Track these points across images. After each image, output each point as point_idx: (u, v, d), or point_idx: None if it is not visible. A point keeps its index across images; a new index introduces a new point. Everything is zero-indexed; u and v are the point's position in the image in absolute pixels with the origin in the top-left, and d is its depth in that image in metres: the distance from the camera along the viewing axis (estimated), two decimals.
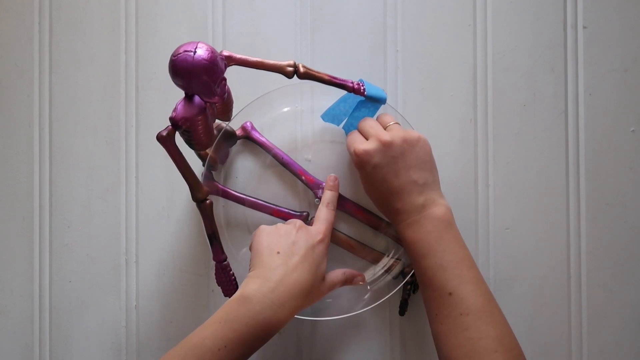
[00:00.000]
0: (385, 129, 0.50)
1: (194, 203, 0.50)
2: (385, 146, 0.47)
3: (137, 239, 0.60)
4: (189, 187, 0.49)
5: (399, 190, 0.47)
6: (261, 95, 0.55)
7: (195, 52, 0.43)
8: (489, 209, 0.58)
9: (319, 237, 0.49)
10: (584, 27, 0.58)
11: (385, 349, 0.58)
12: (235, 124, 0.56)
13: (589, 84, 0.58)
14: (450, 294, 0.44)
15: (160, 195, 0.60)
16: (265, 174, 0.59)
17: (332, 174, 0.55)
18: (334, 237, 0.56)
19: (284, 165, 0.57)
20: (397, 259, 0.57)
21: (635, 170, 0.58)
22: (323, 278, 0.49)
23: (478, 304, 0.43)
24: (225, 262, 0.52)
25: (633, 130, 0.58)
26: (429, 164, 0.49)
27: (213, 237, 0.51)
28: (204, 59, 0.43)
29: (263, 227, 0.51)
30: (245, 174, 0.59)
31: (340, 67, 0.59)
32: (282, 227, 0.50)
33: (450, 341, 0.43)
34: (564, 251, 0.58)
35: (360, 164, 0.49)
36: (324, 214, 0.52)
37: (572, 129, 0.58)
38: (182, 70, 0.43)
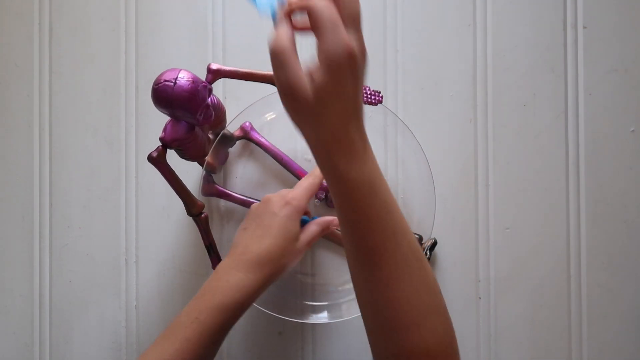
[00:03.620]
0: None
1: None
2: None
3: (137, 239, 0.60)
4: (183, 204, 0.49)
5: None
6: (260, 98, 0.55)
7: (175, 82, 0.43)
8: (489, 209, 0.58)
9: (286, 199, 0.48)
10: (584, 27, 0.58)
11: None
12: (234, 125, 0.56)
13: (589, 84, 0.58)
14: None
15: (160, 195, 0.60)
16: (265, 174, 0.59)
17: None
18: (330, 235, 0.56)
19: (284, 166, 0.57)
20: None
21: (635, 170, 0.58)
22: (296, 238, 0.48)
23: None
24: None
25: (633, 130, 0.58)
26: None
27: (210, 248, 0.52)
28: (184, 91, 0.43)
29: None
30: (245, 174, 0.59)
31: None
32: (253, 206, 0.50)
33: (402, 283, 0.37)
34: (564, 251, 0.58)
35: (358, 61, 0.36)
36: (303, 181, 0.50)
37: (572, 128, 0.58)
38: (163, 100, 0.43)
